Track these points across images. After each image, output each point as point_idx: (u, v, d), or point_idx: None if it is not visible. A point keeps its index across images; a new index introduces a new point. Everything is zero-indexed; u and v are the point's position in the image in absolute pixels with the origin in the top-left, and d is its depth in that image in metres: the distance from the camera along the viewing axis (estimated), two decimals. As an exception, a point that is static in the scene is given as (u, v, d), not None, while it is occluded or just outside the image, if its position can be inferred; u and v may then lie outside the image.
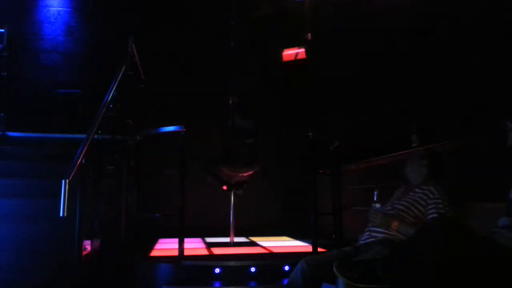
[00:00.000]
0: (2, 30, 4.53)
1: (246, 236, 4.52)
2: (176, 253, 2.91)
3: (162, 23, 5.40)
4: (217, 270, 2.80)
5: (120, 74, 3.31)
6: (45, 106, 4.97)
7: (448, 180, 2.47)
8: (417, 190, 2.37)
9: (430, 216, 2.21)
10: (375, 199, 2.38)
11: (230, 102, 4.10)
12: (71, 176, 2.17)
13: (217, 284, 2.75)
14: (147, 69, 4.29)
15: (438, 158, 2.51)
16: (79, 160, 2.32)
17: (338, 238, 3.52)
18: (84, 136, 2.55)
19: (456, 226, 1.65)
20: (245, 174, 3.85)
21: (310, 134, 3.24)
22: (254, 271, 2.84)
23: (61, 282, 2.45)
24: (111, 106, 2.99)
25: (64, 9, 5.50)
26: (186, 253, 2.92)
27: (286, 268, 2.87)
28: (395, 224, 2.23)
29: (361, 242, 2.37)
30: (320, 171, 3.66)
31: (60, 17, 5.47)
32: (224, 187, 3.93)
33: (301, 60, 5.08)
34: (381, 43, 4.25)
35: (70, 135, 4.27)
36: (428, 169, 2.44)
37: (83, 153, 2.38)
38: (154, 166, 4.26)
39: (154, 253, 3.36)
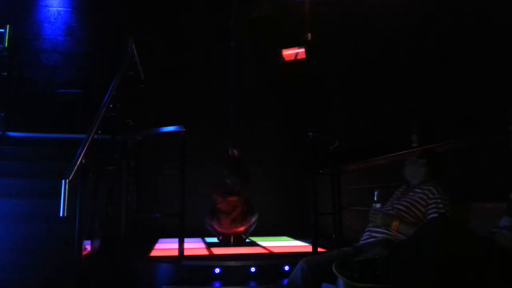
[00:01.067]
0: (2, 30, 4.53)
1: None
2: (176, 253, 2.91)
3: (162, 23, 5.40)
4: (217, 270, 2.80)
5: (120, 74, 3.31)
6: (45, 106, 4.98)
7: (448, 180, 2.47)
8: (417, 190, 2.37)
9: (431, 216, 2.21)
10: (375, 199, 2.38)
11: (230, 152, 3.93)
12: (71, 176, 2.17)
13: (217, 284, 2.75)
14: (147, 69, 4.30)
15: (435, 157, 2.52)
16: (79, 160, 2.32)
17: (338, 238, 3.52)
18: (84, 136, 2.55)
19: (456, 226, 1.65)
20: (235, 230, 3.69)
21: (310, 134, 3.24)
22: (254, 271, 2.84)
23: (61, 282, 2.45)
24: (111, 106, 2.99)
25: (64, 9, 5.51)
26: (186, 253, 2.92)
27: (286, 268, 2.86)
28: (395, 224, 2.23)
29: (361, 242, 2.37)
30: (320, 171, 3.66)
31: (60, 17, 5.47)
32: (221, 237, 3.77)
33: (301, 60, 5.08)
34: (381, 43, 4.25)
35: (70, 135, 4.26)
36: (426, 168, 2.44)
37: (83, 153, 2.38)
38: (154, 166, 4.26)
39: (154, 253, 3.36)
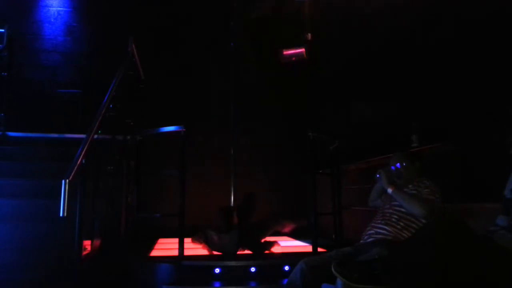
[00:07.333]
0: (2, 30, 4.53)
1: (246, 236, 4.50)
2: (176, 253, 2.91)
3: (162, 23, 5.40)
4: (217, 270, 2.81)
5: (120, 74, 3.30)
6: (45, 106, 4.98)
7: (448, 181, 2.47)
8: (409, 186, 2.45)
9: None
10: (377, 176, 2.53)
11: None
12: (71, 176, 2.17)
13: (217, 284, 2.75)
14: (147, 69, 4.29)
15: (416, 156, 2.66)
16: (79, 160, 2.32)
17: (338, 238, 3.52)
18: (84, 136, 2.55)
19: (456, 226, 1.65)
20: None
21: (310, 134, 3.24)
22: (254, 271, 2.84)
23: (61, 282, 2.45)
24: (111, 106, 2.98)
25: (64, 9, 5.50)
26: (186, 253, 2.93)
27: (286, 268, 2.87)
28: (392, 186, 2.38)
29: (361, 242, 2.38)
30: (320, 171, 3.66)
31: (60, 17, 5.47)
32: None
33: (301, 60, 5.07)
34: (381, 43, 4.25)
35: (70, 135, 4.26)
36: (419, 168, 2.55)
37: (83, 153, 2.38)
38: (154, 166, 4.26)
39: (154, 253, 3.36)
